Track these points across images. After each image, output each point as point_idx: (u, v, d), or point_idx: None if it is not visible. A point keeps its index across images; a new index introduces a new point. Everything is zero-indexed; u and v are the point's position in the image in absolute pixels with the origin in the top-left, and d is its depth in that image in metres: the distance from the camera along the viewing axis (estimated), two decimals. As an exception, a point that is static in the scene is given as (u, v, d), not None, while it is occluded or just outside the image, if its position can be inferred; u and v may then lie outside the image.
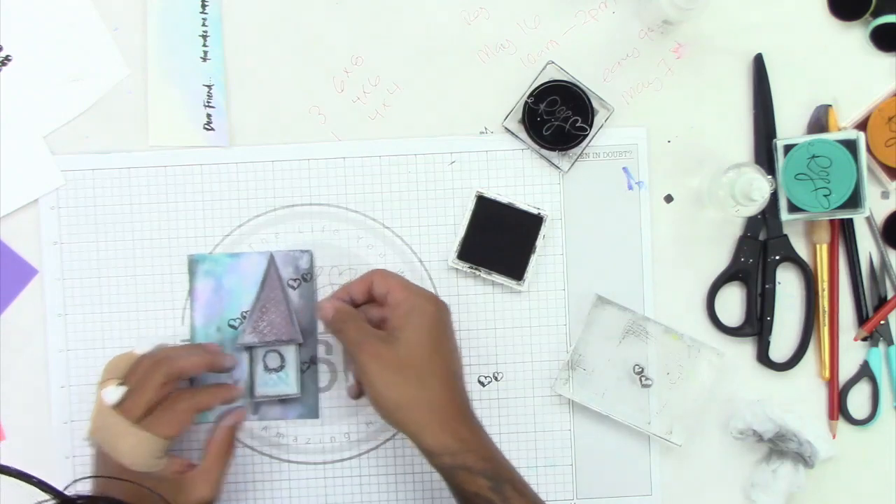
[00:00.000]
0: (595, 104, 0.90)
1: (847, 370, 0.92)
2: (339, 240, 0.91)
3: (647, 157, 0.92)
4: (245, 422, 0.91)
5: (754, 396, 0.91)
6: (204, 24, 0.90)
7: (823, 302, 0.92)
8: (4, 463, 0.61)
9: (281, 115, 0.91)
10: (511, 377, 0.92)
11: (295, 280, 0.91)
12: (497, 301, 0.92)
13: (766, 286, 0.92)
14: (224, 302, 0.91)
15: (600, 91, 0.90)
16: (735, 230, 0.92)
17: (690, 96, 0.92)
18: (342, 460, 0.91)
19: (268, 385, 0.90)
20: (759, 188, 0.83)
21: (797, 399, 0.92)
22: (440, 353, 0.79)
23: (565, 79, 0.90)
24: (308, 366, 0.91)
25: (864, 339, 0.93)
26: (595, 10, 0.92)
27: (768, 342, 0.92)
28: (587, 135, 0.90)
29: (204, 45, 0.91)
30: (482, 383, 0.92)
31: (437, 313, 0.80)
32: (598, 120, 0.90)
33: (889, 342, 0.92)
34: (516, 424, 0.91)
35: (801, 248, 0.92)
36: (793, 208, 0.88)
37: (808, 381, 0.92)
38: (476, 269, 0.91)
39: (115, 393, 0.80)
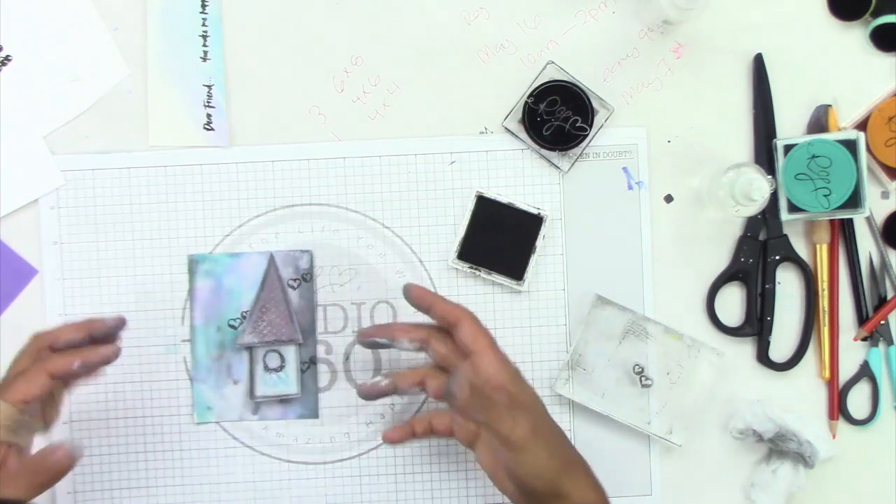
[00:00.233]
0: (595, 104, 0.90)
1: (847, 370, 0.92)
2: (339, 240, 0.91)
3: (647, 157, 0.92)
4: (246, 421, 0.91)
5: (754, 396, 0.91)
6: (204, 24, 0.90)
7: (823, 302, 0.92)
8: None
9: (281, 115, 0.91)
10: (511, 377, 0.91)
11: (295, 280, 0.91)
12: (497, 301, 0.92)
13: (766, 286, 0.92)
14: (224, 302, 0.91)
15: (600, 91, 0.90)
16: (735, 230, 0.92)
17: (690, 96, 0.92)
18: (342, 460, 0.91)
19: (268, 385, 0.90)
20: (759, 188, 0.83)
21: (797, 399, 0.92)
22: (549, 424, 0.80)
23: (565, 79, 0.90)
24: (308, 366, 0.91)
25: (864, 339, 0.93)
26: (595, 10, 0.92)
27: (768, 342, 0.92)
28: (587, 135, 0.90)
29: (204, 45, 0.91)
30: (482, 383, 0.91)
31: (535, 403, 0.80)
32: (598, 120, 0.90)
33: (889, 342, 0.92)
34: (516, 424, 0.91)
35: (801, 248, 0.92)
36: (793, 208, 0.88)
37: (808, 381, 0.92)
38: (476, 269, 0.91)
39: None
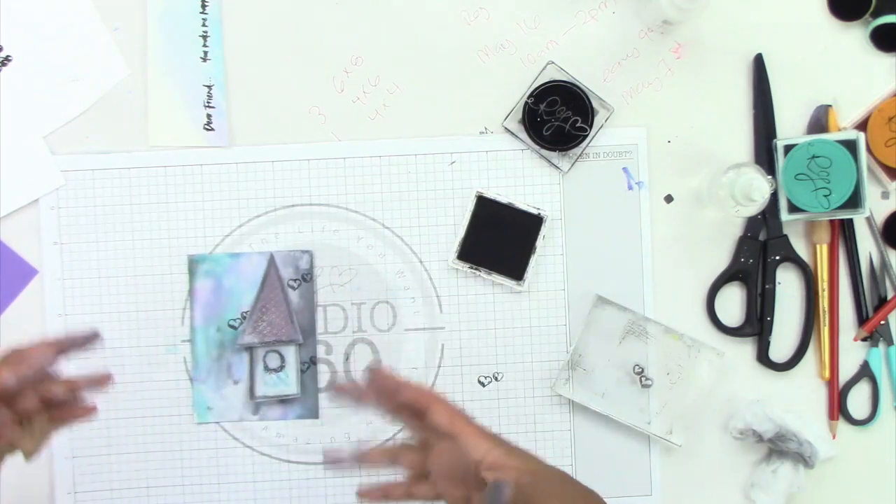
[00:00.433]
0: (595, 104, 0.90)
1: (847, 370, 0.92)
2: (339, 240, 0.91)
3: (647, 157, 0.92)
4: (247, 422, 0.91)
5: (754, 396, 0.91)
6: (204, 25, 0.90)
7: (823, 302, 0.92)
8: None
9: (281, 115, 0.91)
10: (511, 377, 0.92)
11: (295, 280, 0.91)
12: (497, 301, 0.92)
13: (766, 286, 0.92)
14: (224, 302, 0.91)
15: (600, 91, 0.90)
16: (735, 230, 0.92)
17: (690, 96, 0.92)
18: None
19: (268, 385, 0.90)
20: (759, 188, 0.83)
21: (797, 399, 0.92)
22: None
23: (565, 79, 0.90)
24: (308, 366, 0.91)
25: (864, 340, 0.93)
26: (595, 10, 0.92)
27: (768, 342, 0.92)
28: (587, 135, 0.90)
29: (204, 46, 0.91)
30: (482, 383, 0.92)
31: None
32: (598, 120, 0.90)
33: (889, 342, 0.92)
34: (516, 424, 0.91)
35: (801, 248, 0.92)
36: (793, 208, 0.88)
37: (808, 381, 0.92)
38: (476, 269, 0.91)
39: None
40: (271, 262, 0.91)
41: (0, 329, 0.90)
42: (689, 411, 0.91)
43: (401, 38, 0.91)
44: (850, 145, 0.87)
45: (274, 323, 0.89)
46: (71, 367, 0.78)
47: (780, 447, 0.89)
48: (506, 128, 0.91)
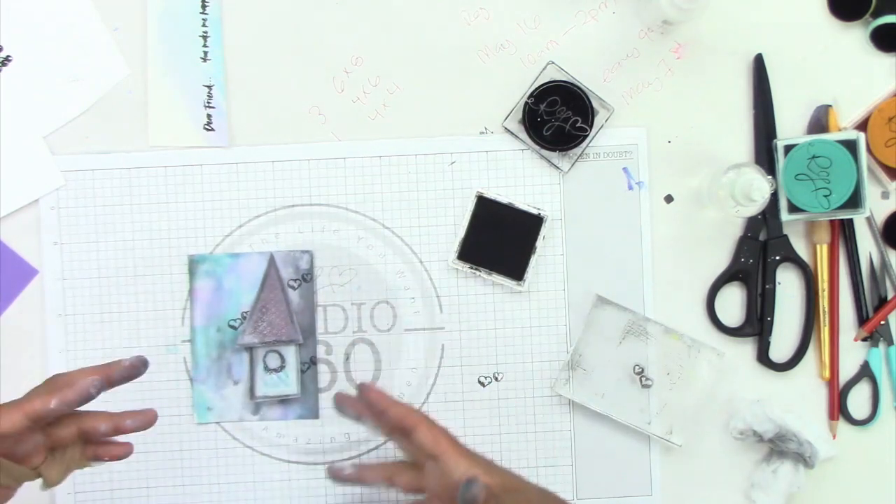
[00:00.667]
0: (595, 104, 0.90)
1: (847, 370, 0.92)
2: (339, 240, 0.91)
3: (647, 157, 0.92)
4: (246, 422, 0.91)
5: (754, 396, 0.91)
6: (204, 25, 0.90)
7: (823, 302, 0.92)
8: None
9: (281, 115, 0.91)
10: (511, 377, 0.92)
11: (295, 280, 0.91)
12: (497, 301, 0.91)
13: (767, 286, 0.92)
14: (224, 302, 0.91)
15: (600, 91, 0.90)
16: (735, 230, 0.92)
17: (690, 96, 0.92)
18: (342, 460, 0.91)
19: (268, 385, 0.90)
20: (759, 188, 0.83)
21: (797, 399, 0.92)
22: None
23: (565, 79, 0.90)
24: (308, 366, 0.91)
25: (865, 340, 0.93)
26: (595, 10, 0.92)
27: (768, 342, 0.92)
28: (587, 135, 0.90)
29: (204, 46, 0.91)
30: (482, 383, 0.92)
31: None
32: (598, 120, 0.90)
33: (889, 342, 0.92)
34: (516, 424, 0.91)
35: (801, 248, 0.92)
36: (793, 208, 0.88)
37: (808, 382, 0.92)
38: (476, 269, 0.91)
39: None
40: (271, 262, 0.91)
41: (0, 329, 0.90)
42: (689, 411, 0.91)
43: (401, 38, 0.91)
44: (851, 145, 0.87)
45: (274, 323, 0.89)
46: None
47: (780, 447, 0.89)
48: (506, 128, 0.91)
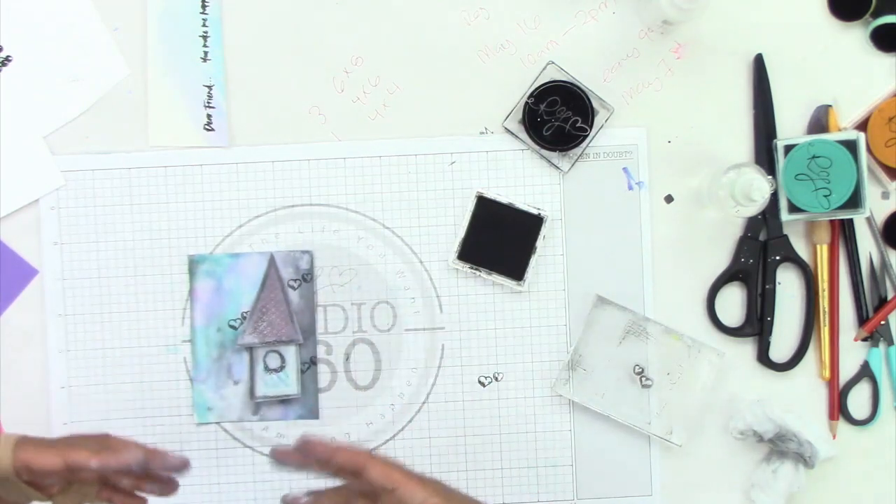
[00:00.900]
0: (595, 104, 0.90)
1: (847, 370, 0.92)
2: (339, 240, 0.91)
3: (647, 157, 0.92)
4: (247, 423, 0.91)
5: (754, 396, 0.91)
6: (204, 25, 0.90)
7: (823, 302, 0.92)
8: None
9: (281, 115, 0.91)
10: (511, 377, 0.92)
11: (295, 280, 0.91)
12: (497, 301, 0.91)
13: (767, 286, 0.92)
14: (224, 302, 0.91)
15: (600, 91, 0.90)
16: (735, 230, 0.92)
17: (690, 96, 0.92)
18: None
19: (268, 385, 0.90)
20: (759, 188, 0.83)
21: (797, 399, 0.92)
22: None
23: (565, 79, 0.90)
24: (308, 366, 0.91)
25: (865, 340, 0.93)
26: (595, 10, 0.92)
27: (768, 342, 0.92)
28: (587, 135, 0.90)
29: (204, 46, 0.91)
30: (482, 383, 0.92)
31: None
32: (598, 120, 0.90)
33: (889, 342, 0.92)
34: (516, 424, 0.91)
35: (801, 248, 0.92)
36: (793, 208, 0.88)
37: (808, 382, 0.92)
38: (476, 269, 0.91)
39: None
40: (271, 262, 0.91)
41: (0, 329, 0.90)
42: (689, 411, 0.91)
43: (401, 38, 0.91)
44: (851, 145, 0.87)
45: (274, 323, 0.89)
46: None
47: (780, 447, 0.89)
48: (506, 128, 0.91)
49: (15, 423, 0.90)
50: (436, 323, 0.91)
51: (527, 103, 0.90)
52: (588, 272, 0.92)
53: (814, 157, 0.87)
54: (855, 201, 0.87)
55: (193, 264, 0.91)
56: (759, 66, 0.91)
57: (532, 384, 0.92)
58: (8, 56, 0.90)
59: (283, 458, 0.78)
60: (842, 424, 0.92)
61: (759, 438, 0.90)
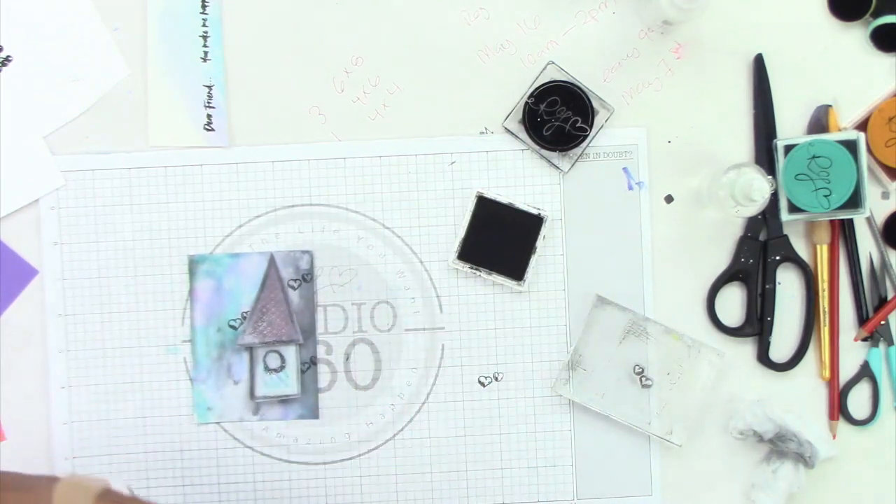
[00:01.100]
0: (595, 104, 0.90)
1: (847, 370, 0.92)
2: (339, 240, 0.92)
3: (647, 157, 0.92)
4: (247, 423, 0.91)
5: (754, 396, 0.91)
6: (204, 25, 0.90)
7: (823, 302, 0.92)
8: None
9: (281, 115, 0.91)
10: (511, 377, 0.92)
11: (295, 280, 0.91)
12: (497, 301, 0.92)
13: (767, 286, 0.92)
14: (224, 302, 0.91)
15: (600, 91, 0.90)
16: (735, 230, 0.92)
17: (690, 96, 0.92)
18: (342, 460, 0.91)
19: (268, 385, 0.90)
20: (759, 188, 0.83)
21: (797, 399, 0.92)
22: None
23: (565, 79, 0.90)
24: (308, 366, 0.91)
25: (865, 340, 0.93)
26: (595, 10, 0.92)
27: (768, 342, 0.92)
28: (587, 135, 0.90)
29: (204, 46, 0.91)
30: (482, 383, 0.92)
31: None
32: (598, 120, 0.90)
33: (889, 342, 0.92)
34: (516, 424, 0.91)
35: (801, 248, 0.92)
36: (793, 208, 0.88)
37: (808, 382, 0.92)
38: (476, 269, 0.91)
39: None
40: (271, 262, 0.91)
41: (0, 329, 0.90)
42: (689, 411, 0.91)
43: (401, 38, 0.91)
44: (851, 145, 0.87)
45: (274, 323, 0.89)
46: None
47: (780, 447, 0.89)
48: (506, 128, 0.91)
49: (15, 423, 0.90)
50: (436, 323, 0.91)
51: (527, 103, 0.90)
52: (588, 272, 0.92)
53: (814, 157, 0.87)
54: (855, 201, 0.87)
55: (193, 264, 0.91)
56: (759, 66, 0.91)
57: (532, 384, 0.92)
58: (8, 56, 0.90)
59: None
60: (842, 424, 0.92)
61: (759, 438, 0.90)
